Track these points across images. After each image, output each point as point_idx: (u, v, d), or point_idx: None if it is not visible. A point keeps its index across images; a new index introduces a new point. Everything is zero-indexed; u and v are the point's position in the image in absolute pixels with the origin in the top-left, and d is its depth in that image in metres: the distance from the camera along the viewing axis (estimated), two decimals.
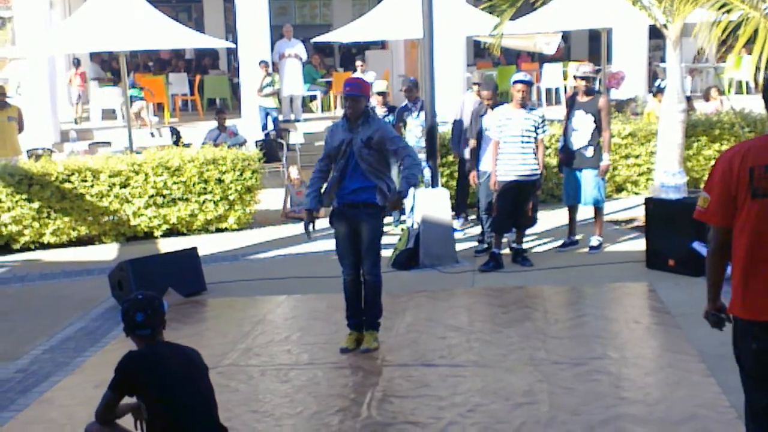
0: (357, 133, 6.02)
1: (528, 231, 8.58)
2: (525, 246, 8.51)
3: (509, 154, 8.07)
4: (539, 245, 9.01)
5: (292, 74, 16.89)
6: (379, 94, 9.66)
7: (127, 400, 4.00)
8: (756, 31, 8.11)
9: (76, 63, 18.91)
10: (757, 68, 8.13)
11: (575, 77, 8.59)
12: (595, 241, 8.61)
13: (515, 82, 8.13)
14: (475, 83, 9.83)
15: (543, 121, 8.19)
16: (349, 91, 6.03)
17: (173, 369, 3.91)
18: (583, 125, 8.35)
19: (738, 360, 3.60)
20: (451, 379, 5.54)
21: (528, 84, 8.17)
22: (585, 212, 8.95)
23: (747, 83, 19.03)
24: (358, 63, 16.74)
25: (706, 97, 14.54)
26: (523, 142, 8.04)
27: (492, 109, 8.58)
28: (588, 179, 8.43)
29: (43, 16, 15.25)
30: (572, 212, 8.72)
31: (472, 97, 9.72)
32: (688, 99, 11.32)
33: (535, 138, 8.10)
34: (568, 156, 8.52)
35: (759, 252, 3.45)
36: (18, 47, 15.23)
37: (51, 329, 7.03)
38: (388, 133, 6.11)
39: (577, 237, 8.80)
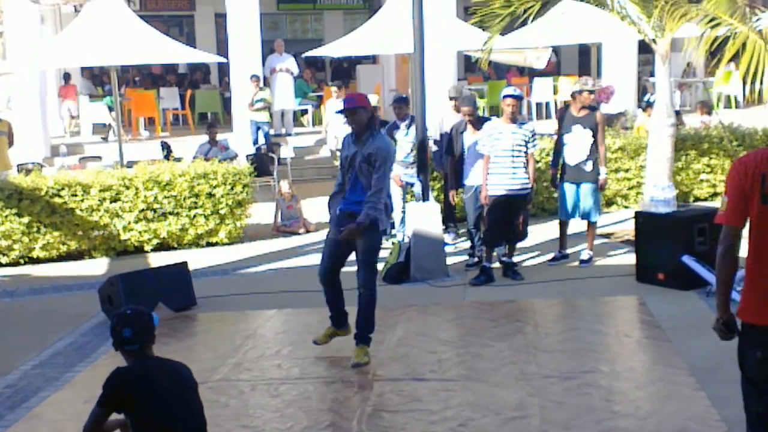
0: (361, 147, 6.03)
1: (519, 245, 8.58)
2: (516, 260, 8.52)
3: (500, 169, 8.09)
4: (530, 259, 9.03)
5: (283, 89, 16.93)
6: None
7: (115, 416, 3.98)
8: (744, 45, 8.17)
9: (66, 77, 18.93)
10: (745, 83, 8.19)
11: (580, 92, 8.43)
12: (585, 254, 8.64)
13: (505, 96, 8.17)
14: (451, 98, 9.84)
15: (533, 136, 8.22)
16: (345, 107, 6.05)
17: (163, 385, 3.89)
18: (580, 140, 8.38)
19: (741, 367, 3.60)
20: (442, 394, 5.54)
21: (518, 99, 8.20)
22: (575, 226, 8.97)
23: (735, 98, 19.15)
24: (333, 89, 15.09)
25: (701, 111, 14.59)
26: (513, 156, 8.07)
27: (472, 124, 8.61)
28: (587, 193, 8.46)
29: (34, 30, 15.26)
30: (563, 227, 8.75)
31: (450, 111, 9.75)
32: (678, 113, 11.38)
33: (526, 152, 8.13)
34: (563, 170, 8.53)
35: (765, 256, 3.52)
36: (8, 62, 15.19)
37: (40, 344, 7.00)
38: (380, 154, 5.99)
39: (568, 251, 8.82)
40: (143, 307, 4.14)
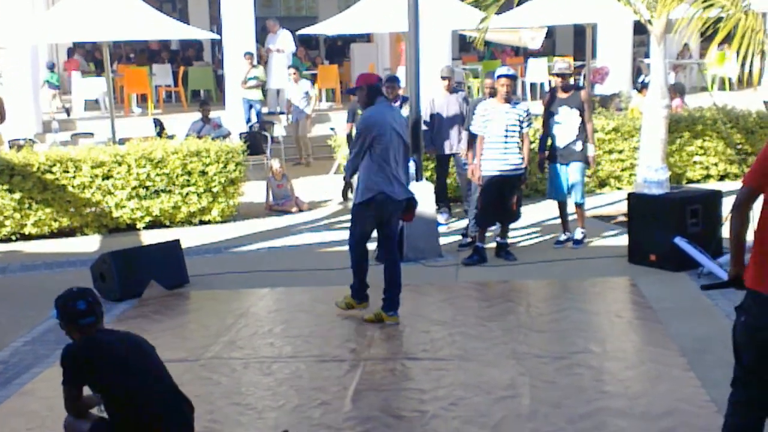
0: None
1: (512, 225, 8.58)
2: (509, 240, 8.52)
3: (493, 149, 8.08)
4: (523, 239, 9.03)
5: (278, 67, 16.84)
6: None
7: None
8: (736, 27, 8.16)
9: (70, 52, 18.94)
10: (743, 65, 8.19)
11: (552, 74, 8.59)
12: (579, 233, 8.62)
13: (499, 76, 8.14)
14: (443, 77, 9.80)
15: (528, 115, 8.20)
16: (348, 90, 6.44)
17: (118, 353, 3.86)
18: (569, 120, 8.36)
19: (734, 330, 3.73)
20: (434, 373, 5.55)
21: (512, 78, 8.18)
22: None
23: (730, 79, 19.14)
24: (291, 71, 14.77)
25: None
26: (506, 136, 8.05)
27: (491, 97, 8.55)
28: (575, 172, 8.44)
29: (25, 5, 15.10)
30: (562, 208, 8.69)
31: (441, 91, 9.71)
32: (682, 93, 11.35)
33: (520, 132, 8.11)
34: (552, 152, 8.52)
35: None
36: None
37: (32, 321, 6.99)
38: (357, 127, 6.50)
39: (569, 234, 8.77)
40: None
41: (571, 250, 8.51)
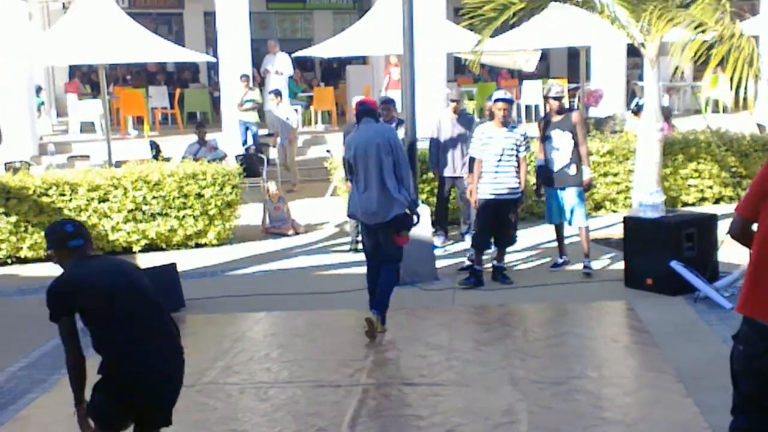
0: None
1: (508, 249, 8.58)
2: (506, 263, 8.52)
3: (489, 173, 8.10)
4: (519, 263, 9.04)
5: (272, 89, 16.91)
6: None
7: None
8: (729, 51, 8.22)
9: (71, 75, 19.03)
10: (737, 88, 8.24)
11: (546, 98, 8.62)
12: (587, 263, 8.46)
13: (496, 100, 8.17)
14: (452, 100, 9.87)
15: (525, 139, 8.22)
16: None
17: (109, 280, 3.88)
18: (562, 144, 8.38)
19: (731, 358, 3.72)
20: (430, 399, 5.54)
21: (509, 102, 8.21)
22: (567, 230, 8.97)
23: (724, 102, 19.24)
24: (271, 96, 14.90)
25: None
26: (502, 160, 8.07)
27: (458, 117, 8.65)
28: (572, 197, 8.44)
29: (22, 27, 15.16)
30: (559, 231, 8.70)
31: (449, 114, 9.76)
32: (669, 117, 11.41)
33: (517, 156, 8.13)
34: (548, 176, 8.52)
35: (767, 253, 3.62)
36: None
37: (28, 346, 6.96)
38: None
39: (565, 258, 8.76)
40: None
41: (567, 274, 8.50)
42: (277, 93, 14.68)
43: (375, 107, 7.24)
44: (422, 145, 9.65)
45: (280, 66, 17.15)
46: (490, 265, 8.44)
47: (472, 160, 8.42)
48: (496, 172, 8.08)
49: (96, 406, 3.92)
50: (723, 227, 7.28)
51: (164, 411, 4.02)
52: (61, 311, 3.86)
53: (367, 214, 6.79)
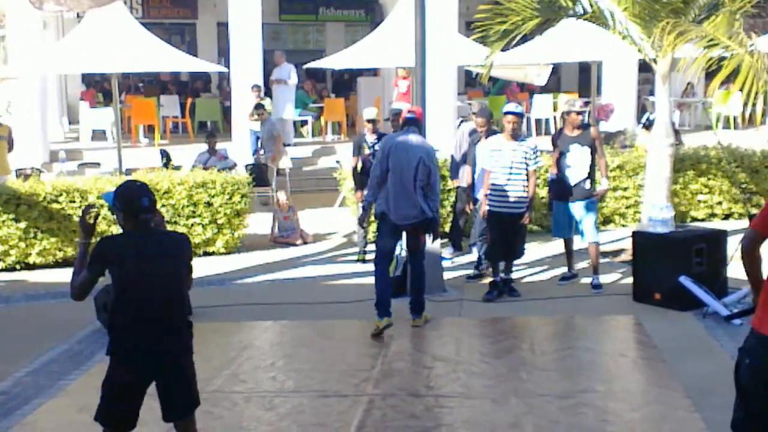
0: None
1: (516, 262, 8.56)
2: (513, 276, 8.50)
3: (499, 185, 8.09)
4: (528, 276, 9.02)
5: (280, 99, 16.95)
6: (368, 121, 9.68)
7: None
8: (739, 67, 8.21)
9: (86, 84, 19.14)
10: (745, 104, 8.23)
11: (568, 113, 8.50)
12: (597, 279, 8.44)
13: (506, 113, 8.17)
14: (474, 113, 9.86)
15: (535, 153, 8.19)
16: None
17: (143, 251, 4.01)
18: (580, 158, 8.35)
19: (736, 370, 3.70)
20: (436, 410, 5.53)
21: (519, 116, 8.21)
22: (576, 244, 8.95)
23: (735, 118, 19.21)
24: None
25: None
26: (512, 173, 8.06)
27: (485, 137, 8.66)
28: (585, 212, 8.40)
29: (36, 35, 15.25)
30: (568, 245, 8.67)
31: (471, 126, 9.77)
32: (677, 132, 11.39)
33: (526, 169, 8.11)
34: (562, 190, 8.49)
35: None
36: (10, 66, 15.20)
37: (34, 351, 6.97)
38: None
39: (574, 271, 8.73)
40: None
41: (575, 287, 8.47)
42: (258, 106, 14.58)
43: (421, 118, 7.68)
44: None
45: (283, 75, 17.16)
46: (490, 280, 8.39)
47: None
48: (506, 184, 8.07)
49: (103, 385, 4.11)
50: (732, 243, 7.26)
51: (172, 394, 4.11)
52: (92, 264, 4.05)
53: (399, 215, 7.17)
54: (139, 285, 4.01)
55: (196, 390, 4.25)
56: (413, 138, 7.30)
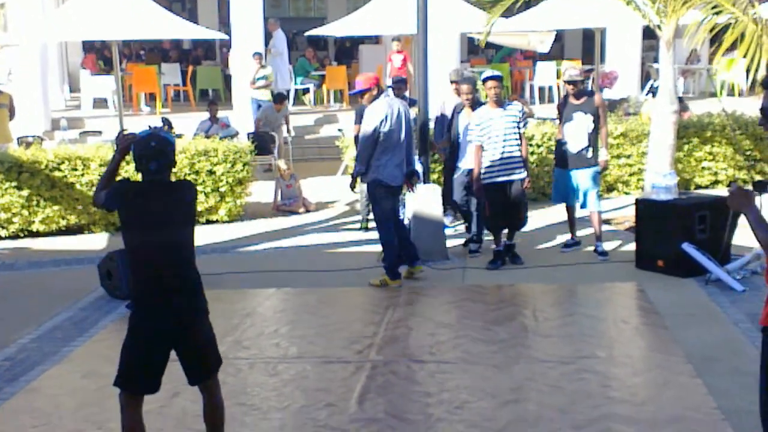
0: None
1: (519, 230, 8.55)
2: (517, 244, 8.48)
3: (495, 155, 8.00)
4: (530, 244, 9.01)
5: (275, 69, 16.83)
6: None
7: None
8: (743, 34, 8.15)
9: (85, 51, 19.02)
10: (748, 72, 8.18)
11: (567, 83, 8.49)
12: (602, 246, 8.45)
13: (486, 79, 8.06)
14: (452, 81, 9.75)
15: (523, 114, 8.14)
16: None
17: (151, 204, 4.08)
18: (583, 126, 8.29)
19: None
20: (439, 376, 5.55)
21: (499, 79, 8.09)
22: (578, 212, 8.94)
23: (739, 85, 19.09)
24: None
25: None
26: (505, 140, 7.98)
27: (470, 106, 8.54)
28: (587, 180, 8.38)
29: (36, 2, 15.14)
30: (570, 212, 8.64)
31: (452, 95, 9.70)
32: (681, 100, 11.33)
33: (519, 133, 8.05)
34: (564, 157, 8.45)
35: None
36: (10, 34, 15.10)
37: (39, 318, 7.00)
38: None
39: (577, 238, 8.73)
40: (163, 133, 4.29)
41: (578, 255, 8.48)
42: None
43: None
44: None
45: (278, 44, 17.02)
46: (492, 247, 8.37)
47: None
48: (501, 153, 7.99)
49: (127, 336, 4.14)
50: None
51: (188, 346, 4.13)
52: (112, 197, 4.18)
53: (399, 178, 7.59)
54: (148, 242, 4.06)
55: (217, 350, 4.29)
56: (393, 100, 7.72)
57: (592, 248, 8.49)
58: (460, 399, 5.16)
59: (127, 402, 4.09)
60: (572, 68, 8.82)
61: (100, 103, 17.94)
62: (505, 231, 8.36)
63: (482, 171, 8.05)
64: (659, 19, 9.03)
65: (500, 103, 8.06)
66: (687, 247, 7.49)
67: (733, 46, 8.84)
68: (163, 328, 4.05)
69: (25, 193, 9.65)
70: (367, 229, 9.68)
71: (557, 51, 22.20)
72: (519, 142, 8.03)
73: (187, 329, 4.11)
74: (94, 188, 9.71)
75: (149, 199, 4.10)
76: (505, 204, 8.10)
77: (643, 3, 9.25)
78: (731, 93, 19.09)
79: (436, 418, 4.91)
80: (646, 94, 14.63)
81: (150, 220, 4.08)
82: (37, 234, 9.79)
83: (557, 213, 9.39)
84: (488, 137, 7.99)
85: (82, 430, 4.93)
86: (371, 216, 9.69)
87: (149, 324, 4.05)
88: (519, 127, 8.04)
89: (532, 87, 19.11)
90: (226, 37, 15.35)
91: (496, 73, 8.25)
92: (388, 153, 7.44)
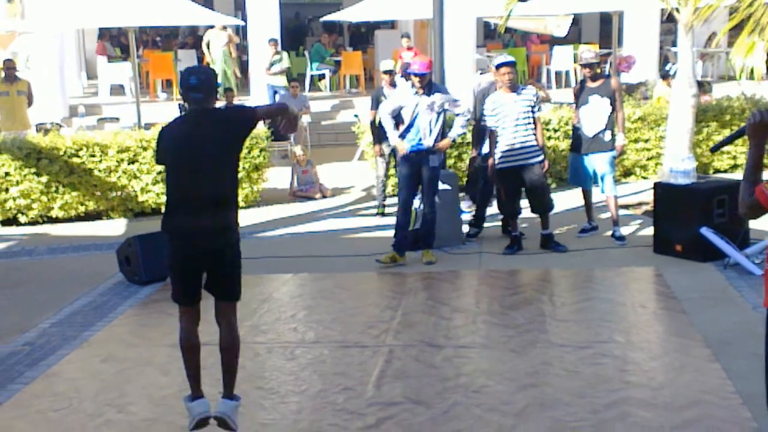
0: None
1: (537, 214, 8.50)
2: (526, 227, 8.45)
3: (508, 141, 7.96)
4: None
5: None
6: (386, 73, 9.61)
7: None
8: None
9: (101, 35, 19.08)
10: None
11: (583, 66, 8.44)
12: (620, 231, 8.39)
13: (499, 65, 8.01)
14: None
15: (537, 98, 8.09)
16: (417, 71, 7.63)
17: (185, 139, 4.32)
18: (599, 109, 8.23)
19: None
20: (456, 360, 5.56)
21: (512, 65, 8.05)
22: (595, 196, 8.90)
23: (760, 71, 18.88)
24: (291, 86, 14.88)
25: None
26: (519, 125, 7.94)
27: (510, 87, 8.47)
28: (604, 164, 8.33)
29: None
30: (587, 197, 8.59)
31: (488, 78, 9.64)
32: (701, 84, 11.24)
33: (533, 118, 8.01)
34: (579, 141, 8.41)
35: None
36: (27, 21, 15.18)
37: (59, 303, 7.07)
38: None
39: (594, 223, 8.68)
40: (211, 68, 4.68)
41: (595, 239, 8.44)
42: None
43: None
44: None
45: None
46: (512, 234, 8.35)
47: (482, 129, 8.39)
48: (514, 138, 7.95)
49: (167, 256, 4.49)
50: None
51: (214, 271, 4.41)
52: (156, 153, 4.58)
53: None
54: (181, 166, 4.30)
55: (239, 285, 4.50)
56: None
57: (609, 233, 8.46)
58: (477, 383, 5.17)
59: (181, 313, 4.49)
60: (587, 51, 8.75)
61: (117, 89, 18.00)
62: (538, 220, 8.30)
63: (496, 156, 8.02)
64: (677, 2, 8.95)
65: (514, 88, 8.01)
66: (705, 231, 7.45)
67: (753, 30, 8.75)
68: (192, 254, 4.34)
69: (44, 179, 9.72)
70: (383, 214, 9.68)
71: (574, 35, 22.04)
72: (534, 126, 8.00)
73: (215, 253, 4.35)
74: (112, 174, 9.89)
75: (196, 131, 4.32)
76: (518, 188, 8.06)
77: None
78: (751, 77, 18.89)
79: (454, 402, 4.92)
80: (659, 78, 14.46)
81: (195, 153, 4.28)
82: (56, 220, 9.87)
83: (573, 198, 9.35)
84: (502, 122, 7.96)
85: (102, 413, 4.97)
86: (387, 201, 9.71)
87: (180, 249, 4.35)
88: (533, 112, 8.00)
89: (548, 71, 19.00)
90: (242, 23, 15.38)
91: (510, 58, 8.20)
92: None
